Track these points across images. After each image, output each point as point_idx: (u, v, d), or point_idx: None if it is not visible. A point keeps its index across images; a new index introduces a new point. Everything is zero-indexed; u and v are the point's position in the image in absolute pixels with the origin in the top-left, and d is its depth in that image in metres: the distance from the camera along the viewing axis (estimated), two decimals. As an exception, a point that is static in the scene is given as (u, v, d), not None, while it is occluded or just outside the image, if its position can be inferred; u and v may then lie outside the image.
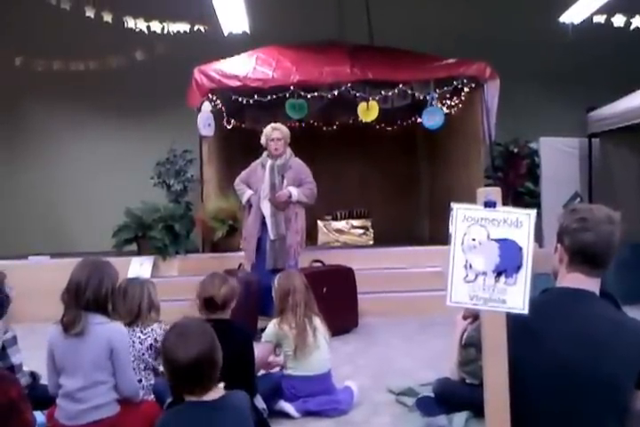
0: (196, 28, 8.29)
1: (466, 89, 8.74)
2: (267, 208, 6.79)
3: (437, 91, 8.63)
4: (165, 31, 8.24)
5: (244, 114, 9.59)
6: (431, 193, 11.12)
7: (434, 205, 10.90)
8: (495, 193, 2.05)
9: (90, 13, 7.93)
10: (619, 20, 8.33)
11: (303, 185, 6.88)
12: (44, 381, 3.79)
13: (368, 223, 10.27)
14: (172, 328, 2.48)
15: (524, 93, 10.29)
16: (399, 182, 11.21)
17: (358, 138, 10.59)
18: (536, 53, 10.30)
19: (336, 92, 8.58)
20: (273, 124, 7.02)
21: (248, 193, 6.98)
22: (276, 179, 6.79)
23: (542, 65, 10.42)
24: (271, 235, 6.74)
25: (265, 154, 6.97)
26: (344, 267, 7.07)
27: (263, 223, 6.85)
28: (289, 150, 6.95)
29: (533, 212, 2.03)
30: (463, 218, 2.06)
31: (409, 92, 8.69)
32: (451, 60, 8.65)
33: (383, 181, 11.23)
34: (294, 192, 6.76)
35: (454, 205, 2.08)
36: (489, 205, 2.04)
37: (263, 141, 6.95)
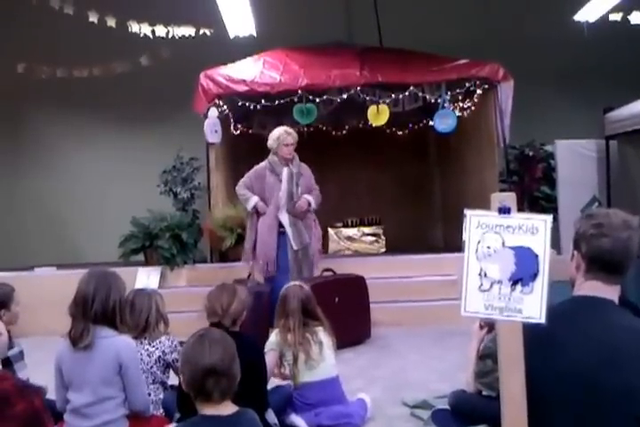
0: (201, 31, 8.20)
1: (479, 91, 8.58)
2: (285, 218, 6.67)
3: (449, 93, 8.46)
4: (170, 35, 8.15)
5: (252, 119, 9.49)
6: (444, 199, 10.96)
7: (447, 210, 10.74)
8: (510, 199, 2.00)
9: (93, 19, 7.84)
10: (635, 18, 8.13)
11: (312, 192, 6.80)
12: (50, 395, 3.70)
13: (379, 230, 10.12)
14: (194, 334, 2.50)
15: (539, 95, 10.12)
16: (411, 188, 11.06)
17: (368, 142, 10.45)
18: (551, 53, 10.15)
19: (345, 96, 8.44)
20: (286, 129, 6.86)
21: (254, 199, 6.77)
22: (294, 188, 6.69)
23: (557, 65, 10.28)
24: (294, 245, 6.62)
25: (273, 158, 6.79)
26: (356, 276, 6.94)
27: (279, 233, 6.70)
28: (296, 155, 6.85)
29: (549, 217, 1.96)
30: (477, 225, 2.01)
31: (420, 94, 8.52)
32: (463, 62, 8.50)
33: (394, 187, 11.07)
34: (312, 200, 6.71)
35: (468, 212, 2.03)
36: (503, 211, 1.98)
37: (274, 145, 6.75)
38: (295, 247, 6.60)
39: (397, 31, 9.40)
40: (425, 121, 9.87)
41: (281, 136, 6.72)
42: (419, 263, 8.28)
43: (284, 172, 6.69)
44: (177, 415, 3.60)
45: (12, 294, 4.02)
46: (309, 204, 6.67)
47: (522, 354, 1.91)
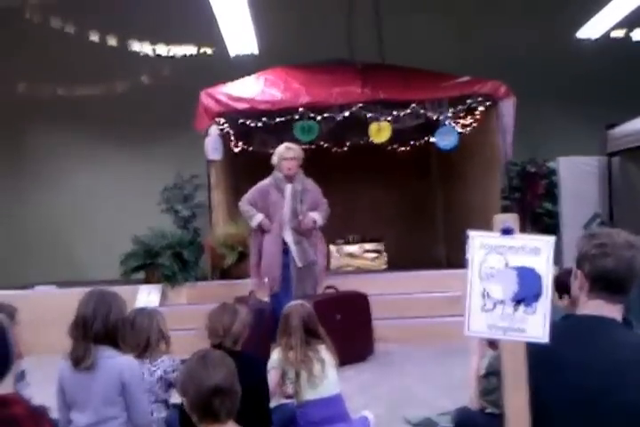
0: (202, 50, 8.25)
1: (480, 108, 8.60)
2: (289, 236, 6.59)
3: (451, 110, 8.47)
4: (171, 54, 8.20)
5: (253, 137, 9.49)
6: (446, 215, 10.93)
7: (449, 227, 10.71)
8: (512, 220, 2.01)
9: (94, 38, 7.89)
10: (637, 35, 8.16)
11: (319, 206, 6.73)
12: (53, 414, 3.61)
13: (381, 247, 10.11)
14: (194, 356, 2.52)
15: (541, 111, 10.13)
16: (413, 204, 11.03)
17: (370, 159, 10.43)
18: (553, 70, 10.18)
19: (347, 113, 8.44)
20: (287, 144, 6.78)
21: (258, 217, 6.68)
22: (298, 205, 6.61)
23: (560, 82, 10.28)
24: (298, 263, 6.53)
25: (277, 175, 6.73)
26: (358, 293, 6.92)
27: (283, 251, 6.63)
28: (301, 171, 6.76)
29: (552, 239, 1.97)
30: (480, 245, 2.02)
31: (422, 111, 8.52)
32: (464, 79, 8.53)
33: (396, 204, 11.05)
34: (317, 218, 6.63)
35: (470, 233, 2.04)
36: (506, 232, 1.99)
37: (275, 161, 6.70)
38: (299, 265, 6.53)
39: (399, 48, 9.40)
40: (427, 138, 9.89)
41: (281, 151, 6.68)
42: (421, 280, 8.25)
43: (288, 189, 6.62)
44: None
45: (15, 314, 3.99)
46: (315, 221, 6.60)
47: (525, 373, 1.91)
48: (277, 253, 6.61)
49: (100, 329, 3.32)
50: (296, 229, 6.56)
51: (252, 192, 6.84)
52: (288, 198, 6.60)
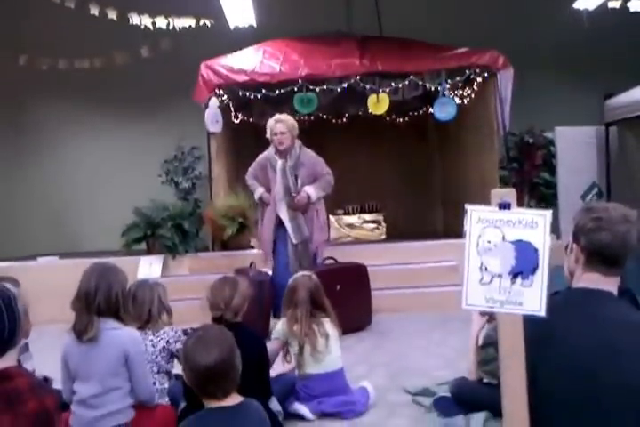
0: (201, 22, 8.15)
1: (478, 79, 8.59)
2: (283, 212, 6.50)
3: (449, 81, 8.47)
4: (171, 27, 8.10)
5: (252, 108, 9.49)
6: (444, 185, 10.97)
7: (447, 197, 10.76)
8: (509, 194, 2.02)
9: (94, 11, 7.82)
10: (635, 5, 8.10)
11: (319, 178, 6.50)
12: (56, 385, 3.74)
13: (380, 217, 10.16)
14: (193, 334, 2.57)
15: (539, 82, 10.10)
16: (411, 175, 11.06)
17: (369, 130, 10.45)
18: (551, 41, 10.12)
19: (345, 85, 8.44)
20: (276, 116, 6.48)
21: (259, 190, 6.69)
22: (290, 181, 6.43)
23: (557, 52, 10.23)
24: (293, 239, 6.48)
25: (270, 150, 6.60)
26: (357, 264, 6.95)
27: (279, 224, 6.58)
28: (298, 144, 6.52)
29: (549, 213, 1.98)
30: (478, 220, 2.03)
31: (420, 83, 8.52)
32: (462, 50, 8.50)
33: (395, 174, 11.08)
34: (312, 193, 6.42)
35: (468, 207, 2.05)
36: (503, 206, 2.00)
37: (268, 135, 6.51)
38: (295, 241, 6.47)
39: (397, 20, 9.35)
40: (425, 109, 9.89)
41: (271, 125, 6.43)
42: (419, 250, 8.31)
43: (279, 165, 6.46)
44: (182, 404, 3.66)
45: (17, 287, 4.04)
46: (309, 197, 6.42)
47: (522, 346, 1.93)
48: (270, 228, 6.59)
49: (102, 302, 3.37)
50: (291, 205, 6.45)
51: (253, 165, 6.81)
52: (279, 175, 6.45)
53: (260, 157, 6.77)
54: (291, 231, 6.50)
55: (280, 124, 6.36)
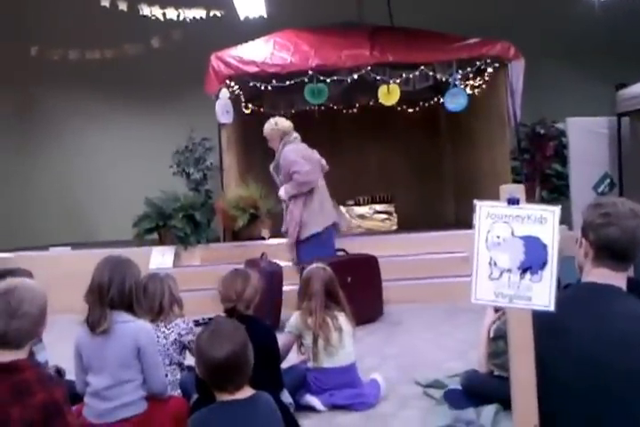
0: (211, 13, 8.17)
1: (489, 69, 8.54)
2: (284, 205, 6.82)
3: (460, 72, 8.44)
4: (181, 18, 8.12)
5: (263, 99, 9.48)
6: (455, 176, 10.94)
7: (458, 188, 10.74)
8: (518, 190, 2.02)
9: (105, 2, 7.83)
10: (648, -6, 8.04)
11: (292, 177, 6.60)
12: (69, 376, 3.78)
13: (391, 208, 10.15)
14: (206, 327, 2.58)
15: (550, 72, 10.04)
16: (422, 166, 11.03)
17: (379, 121, 10.43)
18: (562, 31, 10.05)
19: (356, 76, 8.42)
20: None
21: None
22: (277, 180, 6.78)
23: (569, 42, 10.16)
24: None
25: None
26: (368, 255, 6.96)
27: None
28: (281, 144, 6.69)
29: (557, 208, 1.98)
30: (487, 215, 2.03)
31: (430, 73, 8.49)
32: (473, 40, 8.46)
33: (406, 165, 11.06)
34: (281, 193, 6.65)
35: (477, 203, 2.05)
36: (512, 202, 2.00)
37: None
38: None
39: (408, 10, 9.31)
40: (436, 99, 9.86)
41: None
42: (430, 240, 8.33)
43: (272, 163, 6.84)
44: (195, 396, 3.69)
45: (30, 278, 4.06)
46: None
47: (531, 341, 1.94)
48: None
49: (115, 295, 3.39)
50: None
51: None
52: (272, 172, 6.84)
53: None
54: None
55: (265, 129, 6.76)
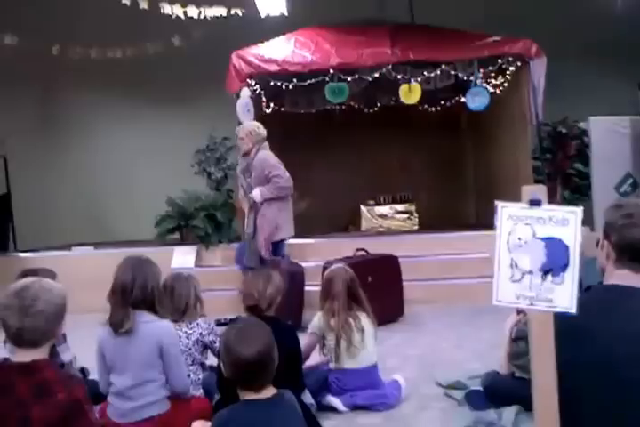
0: (232, 11, 8.19)
1: (511, 68, 8.50)
2: (245, 209, 6.81)
3: (481, 70, 8.39)
4: (202, 16, 8.14)
5: (283, 98, 9.49)
6: (476, 176, 10.89)
7: (480, 188, 10.69)
8: (541, 191, 1.98)
9: (126, 1, 7.87)
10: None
11: (270, 180, 6.63)
12: (93, 375, 3.81)
13: (412, 208, 10.13)
14: (231, 327, 2.60)
15: (573, 71, 9.91)
16: (443, 165, 10.99)
17: (400, 120, 10.38)
18: (584, 28, 9.92)
19: (377, 75, 8.41)
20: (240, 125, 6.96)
21: None
22: (244, 182, 6.76)
23: (591, 41, 10.01)
24: (246, 234, 6.80)
25: None
26: (388, 255, 6.95)
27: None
28: (257, 147, 6.70)
29: (579, 210, 1.93)
30: (508, 216, 2.00)
31: (452, 72, 8.46)
32: (495, 38, 8.40)
33: (427, 165, 11.02)
34: (255, 194, 6.58)
35: (499, 204, 2.02)
36: (534, 203, 1.96)
37: None
38: (246, 236, 6.79)
39: (429, 8, 9.27)
40: (457, 98, 9.82)
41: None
42: (451, 241, 8.29)
43: (239, 167, 6.88)
44: (217, 396, 3.70)
45: (54, 279, 4.09)
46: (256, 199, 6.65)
47: (552, 343, 1.92)
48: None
49: (138, 295, 3.42)
50: (249, 204, 6.72)
51: None
52: (239, 174, 6.88)
53: None
54: (245, 226, 6.81)
55: (240, 131, 6.80)
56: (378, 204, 10.21)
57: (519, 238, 1.97)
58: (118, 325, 3.40)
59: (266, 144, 6.76)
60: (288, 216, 6.77)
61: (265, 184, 6.58)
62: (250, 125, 6.82)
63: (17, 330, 2.24)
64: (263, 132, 6.76)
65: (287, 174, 6.62)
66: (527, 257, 1.96)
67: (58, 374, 2.30)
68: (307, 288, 6.61)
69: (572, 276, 1.93)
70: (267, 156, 6.68)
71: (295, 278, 6.35)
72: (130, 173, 10.87)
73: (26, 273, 3.60)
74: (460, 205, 11.02)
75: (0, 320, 2.27)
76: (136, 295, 3.42)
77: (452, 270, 7.68)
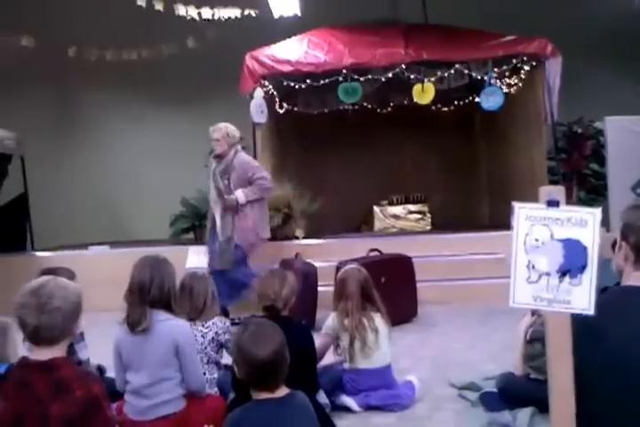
0: (246, 12, 8.22)
1: (526, 67, 8.47)
2: (217, 211, 6.71)
3: (496, 70, 8.36)
4: (216, 17, 8.18)
5: (296, 98, 9.50)
6: (490, 176, 10.85)
7: (493, 188, 10.65)
8: (559, 192, 1.98)
9: (141, 2, 7.92)
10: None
11: (253, 182, 6.64)
12: (109, 373, 3.82)
13: (425, 208, 10.12)
14: (245, 327, 2.59)
15: (588, 71, 9.91)
16: (457, 165, 10.97)
17: (414, 120, 10.37)
18: (600, 27, 9.91)
19: (390, 75, 8.40)
20: (215, 125, 6.82)
21: None
22: (220, 183, 6.63)
23: (607, 39, 10.00)
24: (220, 236, 6.66)
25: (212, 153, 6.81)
26: (402, 255, 6.92)
27: (213, 225, 6.79)
28: (234, 149, 6.73)
29: (598, 211, 1.93)
30: (525, 217, 2.00)
31: (466, 72, 8.44)
32: (509, 38, 8.38)
33: (440, 165, 11.00)
34: (240, 196, 6.56)
35: (516, 205, 2.01)
36: (552, 204, 1.96)
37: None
38: (220, 239, 6.64)
39: (442, 7, 9.25)
40: (471, 98, 9.79)
41: (209, 132, 6.79)
42: (465, 241, 8.26)
43: (211, 169, 6.77)
44: (231, 395, 3.71)
45: (74, 279, 4.12)
46: (238, 201, 6.58)
47: (570, 345, 1.91)
48: (211, 227, 6.84)
49: (155, 295, 3.43)
50: (223, 206, 6.62)
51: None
52: (211, 178, 6.74)
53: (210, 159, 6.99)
54: (218, 229, 6.69)
55: (215, 133, 6.72)
56: (390, 204, 10.20)
57: (536, 239, 1.97)
58: (136, 323, 3.41)
59: (240, 146, 6.78)
60: (266, 217, 6.85)
61: (246, 186, 6.58)
62: (226, 127, 6.77)
63: (34, 328, 2.26)
64: (238, 133, 6.78)
65: (269, 176, 6.70)
66: (544, 258, 1.96)
67: (76, 372, 2.32)
68: (319, 288, 6.61)
69: (589, 277, 1.93)
70: (248, 158, 6.76)
71: (308, 279, 6.34)
72: (144, 173, 10.92)
73: (45, 272, 3.62)
74: (474, 206, 11.00)
75: (17, 319, 2.29)
76: (153, 295, 3.44)
77: (465, 271, 7.65)
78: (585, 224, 1.94)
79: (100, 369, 4.21)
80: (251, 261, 6.79)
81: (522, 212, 2.00)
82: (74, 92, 11.13)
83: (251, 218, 6.65)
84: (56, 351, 2.30)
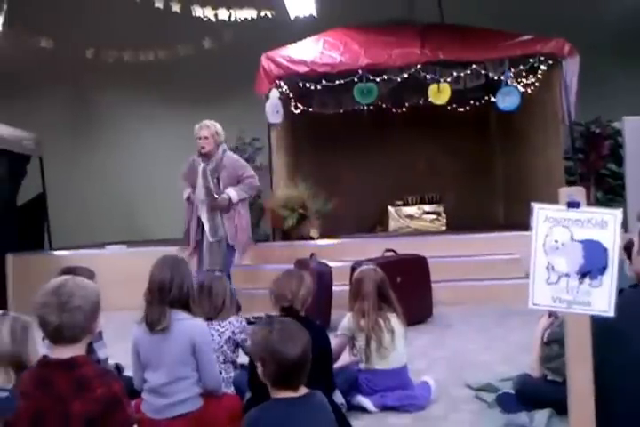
0: (262, 13, 8.24)
1: (543, 67, 8.44)
2: (204, 212, 6.60)
3: (512, 70, 8.33)
4: (232, 18, 8.21)
5: (312, 98, 9.51)
6: (506, 176, 10.82)
7: (509, 188, 10.61)
8: (579, 193, 1.98)
9: (159, 4, 7.96)
10: None
11: (243, 181, 6.58)
12: (127, 372, 3.84)
13: (440, 209, 10.10)
14: (271, 326, 2.55)
15: (606, 70, 9.84)
16: (472, 166, 10.94)
17: (429, 120, 10.36)
18: (618, 26, 9.86)
19: (406, 75, 8.39)
20: (202, 122, 6.65)
21: (187, 191, 6.79)
22: (210, 183, 6.53)
23: (624, 39, 9.95)
24: (210, 238, 6.57)
25: (197, 153, 6.70)
26: (417, 256, 6.91)
27: (201, 224, 6.67)
28: (222, 148, 6.63)
29: (619, 212, 1.95)
30: (545, 219, 2.00)
31: (482, 72, 8.42)
32: (526, 37, 8.36)
33: (455, 165, 10.98)
34: (233, 195, 6.49)
35: (535, 206, 2.02)
36: (572, 205, 1.97)
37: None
38: (210, 240, 6.56)
39: (458, 7, 9.23)
40: (487, 98, 9.76)
41: (195, 130, 6.61)
42: (480, 242, 8.24)
43: (200, 168, 6.58)
44: (248, 395, 3.72)
45: (93, 278, 4.15)
46: (230, 200, 6.49)
47: (589, 346, 1.91)
48: (193, 227, 6.71)
49: (175, 294, 3.44)
50: (212, 206, 6.53)
51: (185, 165, 6.89)
52: (200, 177, 6.58)
53: (189, 158, 6.84)
54: (207, 230, 6.59)
55: (203, 130, 6.54)
56: (405, 204, 10.19)
57: (556, 241, 1.97)
58: (155, 323, 3.43)
59: (225, 145, 6.72)
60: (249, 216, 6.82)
61: (235, 184, 6.53)
62: (214, 125, 6.63)
63: (56, 327, 2.28)
64: (223, 132, 6.68)
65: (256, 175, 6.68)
66: (564, 259, 1.96)
67: (96, 370, 2.33)
68: (334, 288, 6.61)
69: (610, 278, 1.93)
70: (236, 156, 6.72)
71: (323, 279, 6.34)
72: (161, 172, 10.95)
73: (65, 271, 3.65)
74: (489, 206, 10.96)
75: (38, 318, 2.30)
76: (173, 294, 3.45)
77: (480, 271, 7.62)
78: (605, 225, 1.94)
79: (118, 368, 4.24)
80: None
81: (541, 213, 2.00)
82: (91, 92, 11.20)
83: (244, 217, 6.64)
84: (76, 350, 2.32)
